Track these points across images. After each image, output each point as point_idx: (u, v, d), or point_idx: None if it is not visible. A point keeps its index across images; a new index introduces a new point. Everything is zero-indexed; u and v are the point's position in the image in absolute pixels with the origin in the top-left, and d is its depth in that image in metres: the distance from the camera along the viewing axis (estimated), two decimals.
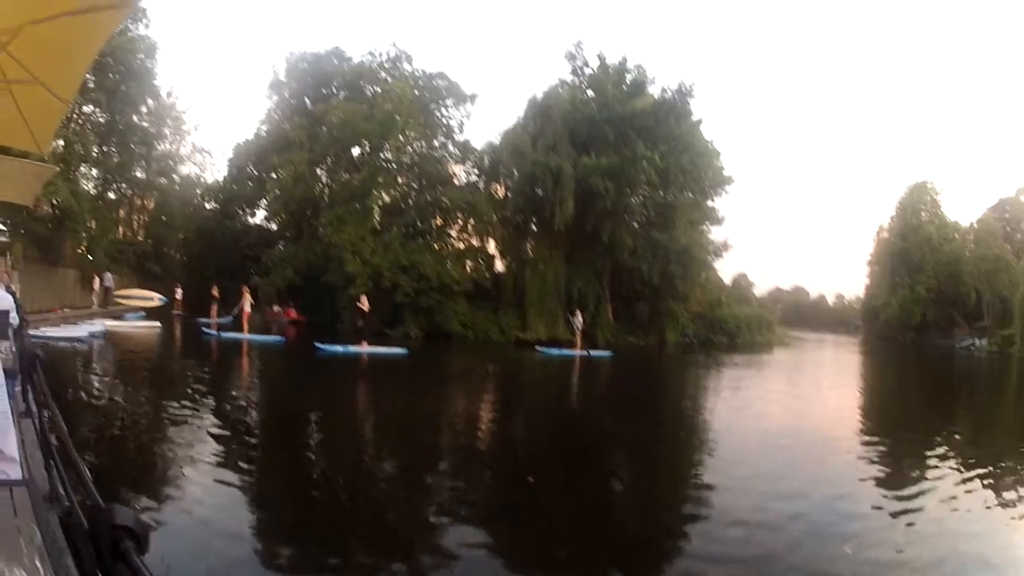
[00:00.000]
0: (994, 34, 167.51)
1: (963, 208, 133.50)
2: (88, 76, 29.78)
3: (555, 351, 29.03)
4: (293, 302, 38.42)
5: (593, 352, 29.51)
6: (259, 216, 49.70)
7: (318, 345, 23.58)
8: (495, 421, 14.79)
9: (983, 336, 65.97)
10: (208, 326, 28.76)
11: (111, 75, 38.37)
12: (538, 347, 30.08)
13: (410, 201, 38.89)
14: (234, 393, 15.18)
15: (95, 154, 42.67)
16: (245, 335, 26.29)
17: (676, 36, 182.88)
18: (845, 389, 25.12)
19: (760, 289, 72.33)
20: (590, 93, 40.56)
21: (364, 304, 26.10)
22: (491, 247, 40.34)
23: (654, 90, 40.50)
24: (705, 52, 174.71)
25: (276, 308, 38.24)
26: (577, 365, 26.46)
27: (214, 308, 32.57)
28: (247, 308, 27.70)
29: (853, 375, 33.06)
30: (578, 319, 30.87)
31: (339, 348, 23.71)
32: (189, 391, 14.54)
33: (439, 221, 39.18)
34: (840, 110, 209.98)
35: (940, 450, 12.65)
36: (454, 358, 28.27)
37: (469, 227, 39.36)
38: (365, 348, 23.82)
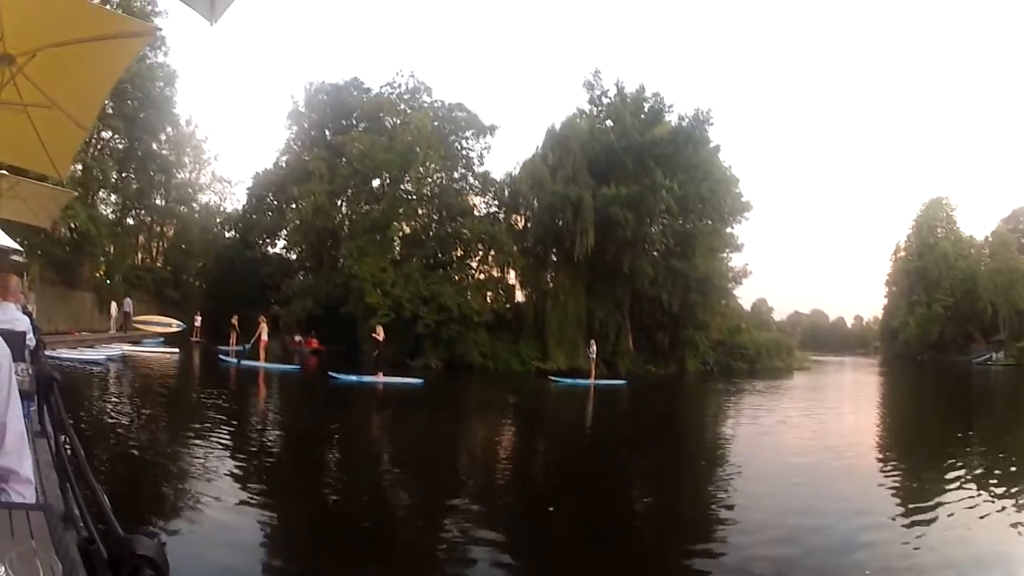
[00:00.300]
0: (1002, 43, 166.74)
1: (978, 220, 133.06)
2: (107, 102, 30.11)
3: (569, 381, 28.91)
4: (315, 332, 38.50)
5: (607, 381, 29.48)
6: (279, 246, 50.02)
7: (332, 375, 23.87)
8: (507, 450, 14.73)
9: (1000, 350, 65.61)
10: (227, 354, 29.06)
11: (130, 102, 38.67)
12: (551, 377, 29.87)
13: (430, 232, 38.88)
14: (245, 421, 15.15)
15: (114, 180, 42.98)
16: (262, 363, 26.57)
17: (692, 60, 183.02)
18: (864, 412, 24.73)
19: (779, 314, 72.42)
20: (608, 122, 40.54)
21: (379, 334, 26.09)
22: (511, 278, 40.39)
23: (672, 118, 40.51)
24: (719, 77, 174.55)
25: (298, 338, 38.32)
26: (591, 395, 26.38)
27: (234, 336, 32.79)
28: (264, 337, 27.95)
29: (872, 397, 32.91)
30: (592, 349, 30.87)
31: (352, 378, 23.77)
32: (202, 418, 14.72)
33: (459, 252, 39.29)
34: (853, 129, 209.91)
35: (956, 469, 12.53)
36: (470, 388, 28.44)
37: (489, 258, 39.50)
38: (380, 378, 23.79)
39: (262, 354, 27.53)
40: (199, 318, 40.04)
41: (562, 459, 13.65)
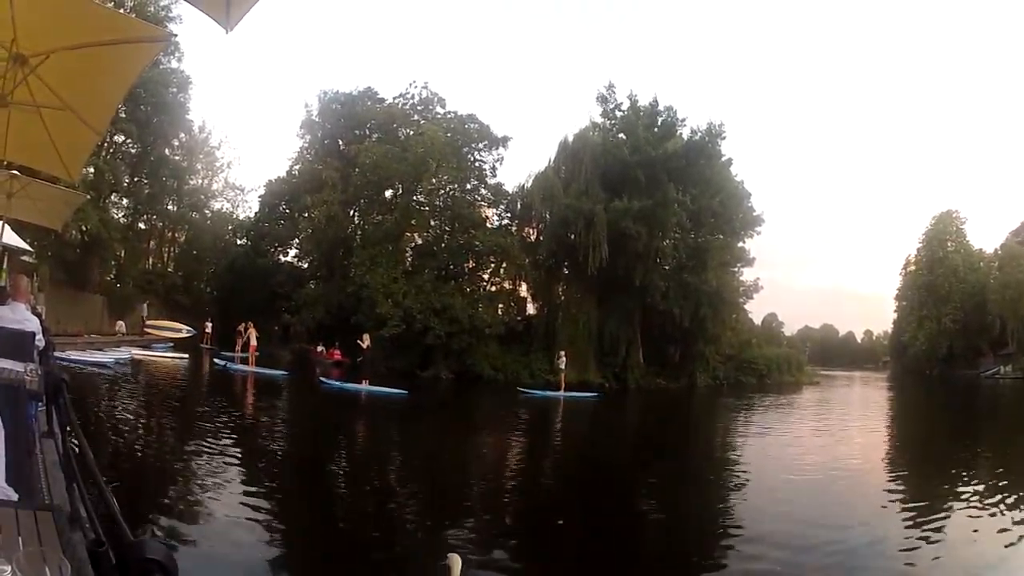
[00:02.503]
0: (1008, 54, 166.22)
1: (988, 232, 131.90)
2: (120, 106, 29.87)
3: (539, 393, 28.74)
4: (338, 343, 38.37)
5: (577, 394, 29.25)
6: (290, 254, 49.90)
7: (322, 380, 24.99)
8: (449, 460, 14.54)
9: (1008, 363, 65.26)
10: (232, 359, 29.47)
11: (143, 107, 38.77)
12: (520, 389, 29.58)
13: (442, 243, 39.01)
14: (221, 425, 15.06)
15: (126, 184, 43.10)
16: (251, 368, 27.51)
17: (703, 75, 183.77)
18: (871, 428, 24.31)
19: (789, 328, 72.12)
20: (621, 135, 40.47)
21: (365, 342, 26.55)
22: (523, 290, 40.43)
23: (684, 131, 40.48)
24: (729, 91, 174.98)
25: (320, 348, 38.07)
26: (560, 407, 26.30)
27: (239, 343, 32.97)
28: (253, 342, 29.15)
29: (879, 412, 32.67)
30: (562, 361, 30.77)
31: (337, 384, 24.54)
32: (172, 419, 15.40)
33: (471, 264, 39.47)
34: (863, 143, 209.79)
35: (960, 484, 12.56)
36: (448, 400, 28.29)
37: (501, 270, 39.61)
38: (364, 386, 24.21)
39: (251, 359, 28.47)
40: (210, 324, 40.06)
41: (504, 473, 13.48)
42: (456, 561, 5.22)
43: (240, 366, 27.92)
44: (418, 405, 23.60)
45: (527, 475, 13.34)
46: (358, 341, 27.12)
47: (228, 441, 12.92)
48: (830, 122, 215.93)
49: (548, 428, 21.53)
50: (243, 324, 34.05)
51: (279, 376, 27.19)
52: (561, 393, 28.58)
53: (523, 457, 15.67)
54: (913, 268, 79.49)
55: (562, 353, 31.53)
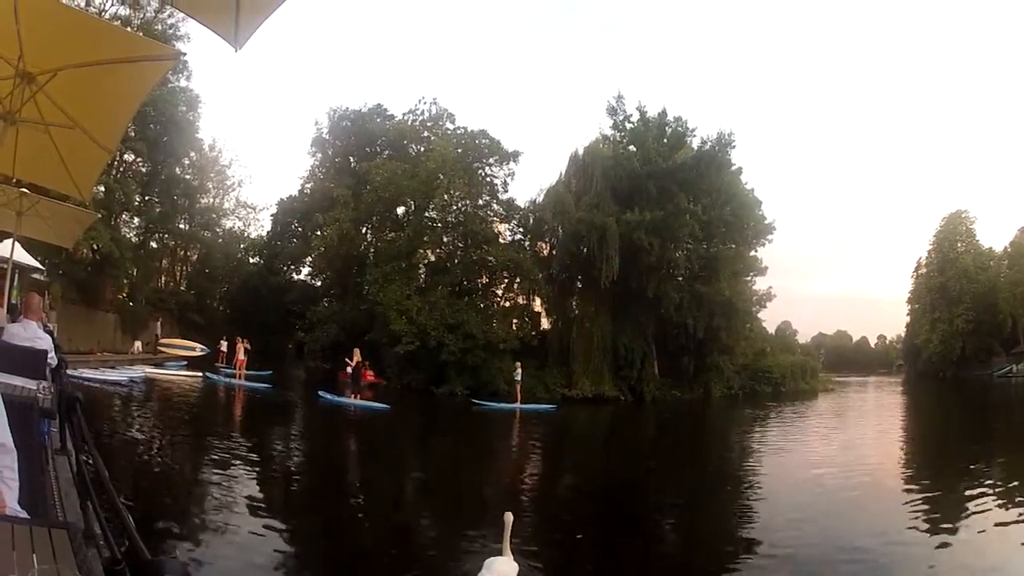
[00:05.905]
0: (1010, 50, 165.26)
1: (998, 229, 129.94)
2: (129, 125, 29.82)
3: (494, 405, 28.64)
4: (371, 363, 38.01)
5: (534, 406, 29.19)
6: (303, 272, 50.26)
7: (320, 393, 25.90)
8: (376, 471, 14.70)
9: (1020, 361, 64.80)
10: (233, 376, 30.09)
11: (152, 125, 39.12)
12: (475, 401, 29.56)
13: (456, 260, 39.00)
14: (222, 441, 15.36)
15: (137, 203, 43.39)
16: (239, 382, 28.91)
17: (710, 84, 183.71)
18: (892, 439, 23.65)
19: (803, 336, 71.69)
20: (631, 147, 40.39)
21: (355, 358, 26.83)
22: (537, 305, 40.31)
23: (694, 141, 40.35)
24: (737, 97, 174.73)
25: (350, 370, 37.71)
26: (516, 419, 26.13)
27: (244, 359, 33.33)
28: (241, 356, 30.73)
29: (897, 418, 32.56)
30: (517, 372, 30.77)
31: (330, 397, 25.57)
32: (185, 436, 15.66)
33: (485, 279, 39.42)
34: (870, 147, 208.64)
35: (975, 488, 12.27)
36: (419, 416, 27.99)
37: (515, 285, 39.52)
38: (354, 400, 25.06)
39: (240, 373, 29.60)
40: (224, 343, 40.18)
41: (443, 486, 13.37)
42: (508, 519, 5.74)
43: (228, 379, 28.86)
44: (395, 419, 23.87)
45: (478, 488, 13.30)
46: (346, 359, 27.56)
47: (239, 457, 13.11)
48: (838, 128, 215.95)
49: (491, 441, 21.43)
50: (247, 341, 34.27)
51: (263, 389, 28.03)
52: (517, 405, 28.63)
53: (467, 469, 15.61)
54: (924, 270, 79.31)
55: (517, 364, 31.49)
